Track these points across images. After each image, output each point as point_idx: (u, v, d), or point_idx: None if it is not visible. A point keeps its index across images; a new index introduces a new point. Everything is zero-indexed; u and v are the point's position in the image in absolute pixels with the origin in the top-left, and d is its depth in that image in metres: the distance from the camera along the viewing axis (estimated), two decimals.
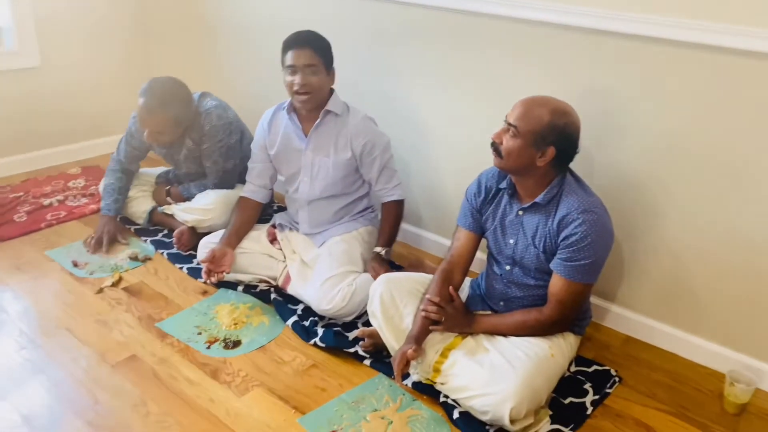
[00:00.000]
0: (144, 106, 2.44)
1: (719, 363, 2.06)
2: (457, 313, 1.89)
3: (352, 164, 2.31)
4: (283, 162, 2.38)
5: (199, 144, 2.60)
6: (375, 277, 2.12)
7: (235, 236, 2.37)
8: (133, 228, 2.80)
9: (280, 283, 2.36)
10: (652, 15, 1.88)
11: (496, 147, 1.77)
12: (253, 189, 2.46)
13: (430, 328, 1.87)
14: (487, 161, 1.85)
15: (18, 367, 1.97)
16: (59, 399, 1.84)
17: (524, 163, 1.74)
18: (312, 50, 2.17)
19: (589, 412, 1.86)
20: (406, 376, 1.92)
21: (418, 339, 1.85)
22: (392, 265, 2.55)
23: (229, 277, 2.36)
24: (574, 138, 1.76)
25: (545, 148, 1.72)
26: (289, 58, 2.17)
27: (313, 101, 2.22)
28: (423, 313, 1.87)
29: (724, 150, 1.89)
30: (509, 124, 1.74)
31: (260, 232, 2.45)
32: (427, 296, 1.89)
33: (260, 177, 2.45)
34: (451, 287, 1.90)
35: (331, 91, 2.27)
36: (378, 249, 2.31)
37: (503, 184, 1.88)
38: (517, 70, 2.25)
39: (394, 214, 2.36)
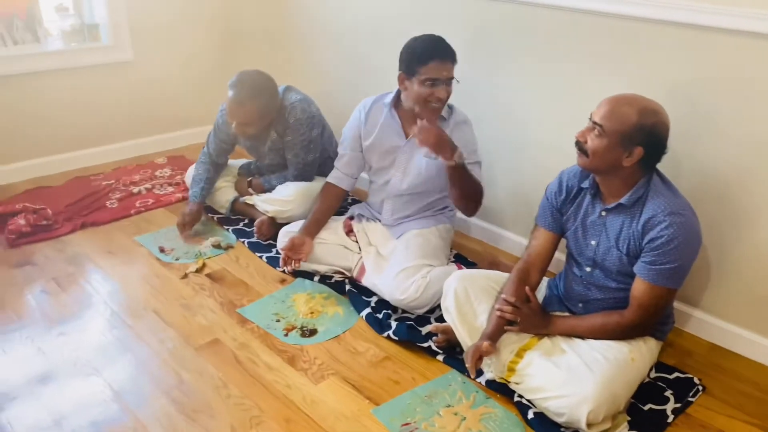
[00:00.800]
0: (234, 98, 2.52)
1: None
2: (533, 314, 1.86)
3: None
4: (376, 154, 2.39)
5: (283, 136, 2.67)
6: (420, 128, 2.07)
7: (315, 225, 2.42)
8: (216, 217, 2.91)
9: (354, 274, 2.40)
10: (752, 8, 1.79)
11: (581, 146, 1.72)
12: (340, 176, 2.48)
13: (506, 328, 1.85)
14: (572, 159, 1.82)
15: (109, 345, 2.09)
16: (147, 377, 1.94)
17: (610, 163, 1.69)
18: (452, 63, 2.15)
19: (669, 420, 1.80)
20: (479, 373, 1.91)
21: (492, 337, 1.83)
22: (467, 263, 2.55)
23: (305, 266, 2.41)
24: (662, 138, 1.69)
25: (632, 149, 1.66)
26: (432, 70, 2.11)
27: (442, 110, 2.23)
28: (498, 313, 1.85)
29: None
30: (595, 123, 1.69)
31: (337, 224, 2.49)
32: (503, 296, 1.88)
33: (348, 165, 2.46)
34: (527, 287, 1.88)
35: None
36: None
37: (585, 184, 1.84)
38: (605, 67, 2.19)
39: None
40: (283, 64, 3.51)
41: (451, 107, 2.29)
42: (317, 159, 2.72)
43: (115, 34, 3.37)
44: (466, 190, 2.20)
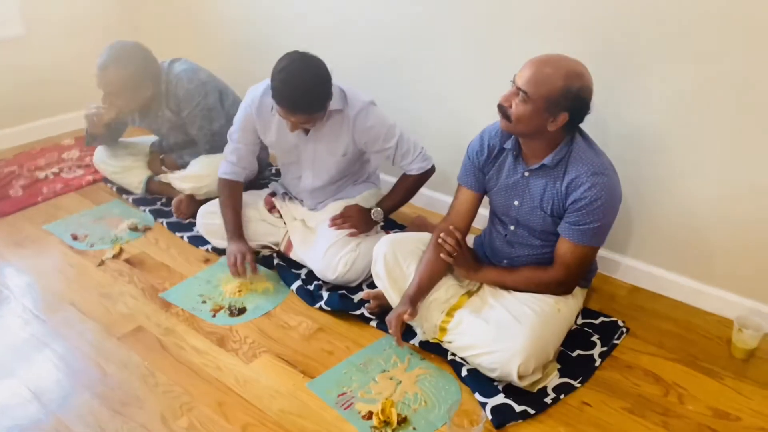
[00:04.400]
0: (100, 62, 2.37)
1: (727, 310, 2.05)
2: (468, 255, 1.88)
3: (355, 156, 2.22)
4: (280, 150, 2.26)
5: (179, 113, 2.53)
6: (337, 220, 2.19)
7: (239, 229, 2.25)
8: (131, 198, 2.77)
9: (282, 248, 2.34)
10: None
11: (504, 111, 1.67)
12: (237, 171, 2.29)
13: (441, 255, 1.85)
14: (488, 119, 1.80)
15: (23, 343, 1.96)
16: (67, 373, 1.84)
17: (535, 128, 1.65)
18: (305, 114, 1.97)
19: (597, 364, 1.86)
20: (412, 335, 1.92)
21: (414, 299, 1.82)
22: (394, 225, 2.53)
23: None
24: (587, 101, 1.65)
25: (558, 114, 1.62)
26: (281, 112, 1.97)
27: (310, 129, 2.12)
28: (439, 240, 1.86)
29: (736, 100, 1.84)
30: (518, 88, 1.63)
31: (257, 198, 2.40)
32: (451, 227, 1.88)
33: (244, 159, 2.28)
34: (459, 236, 1.88)
35: None
36: (373, 208, 2.25)
37: (508, 144, 1.80)
38: (528, 27, 2.17)
39: (407, 183, 2.27)
40: (186, 36, 3.34)
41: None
42: (224, 127, 2.55)
43: (2, 7, 3.10)
44: (406, 200, 2.31)
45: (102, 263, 2.34)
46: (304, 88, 1.91)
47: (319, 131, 2.13)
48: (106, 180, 2.90)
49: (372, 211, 2.24)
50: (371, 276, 2.03)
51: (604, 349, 1.91)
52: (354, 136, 2.14)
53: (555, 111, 1.62)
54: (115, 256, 2.38)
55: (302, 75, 1.91)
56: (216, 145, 2.60)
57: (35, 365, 1.87)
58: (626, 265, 2.24)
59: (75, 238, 2.49)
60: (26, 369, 1.86)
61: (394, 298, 1.92)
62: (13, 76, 3.24)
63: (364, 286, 2.18)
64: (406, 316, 1.76)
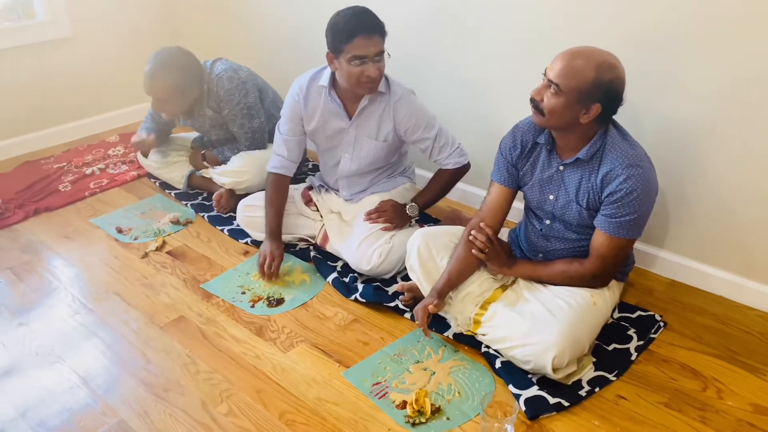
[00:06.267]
0: (146, 71, 2.45)
1: None
2: (501, 250, 1.88)
3: (395, 143, 2.25)
4: (321, 138, 2.29)
5: (219, 111, 2.60)
6: (372, 214, 2.21)
7: (277, 230, 2.29)
8: (173, 193, 2.85)
9: (318, 241, 2.38)
10: None
11: (536, 104, 1.68)
12: (287, 166, 2.31)
13: (473, 252, 1.86)
14: (522, 114, 1.80)
15: (73, 331, 2.05)
16: (113, 360, 1.92)
17: (567, 121, 1.65)
18: (380, 36, 1.97)
19: (633, 357, 1.85)
20: (446, 327, 1.94)
21: (441, 293, 1.85)
22: (428, 219, 2.55)
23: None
24: (619, 93, 1.64)
25: (590, 106, 1.62)
26: (358, 47, 1.94)
27: (378, 87, 2.11)
28: (470, 237, 1.87)
29: None
30: (550, 81, 1.63)
31: (296, 192, 2.45)
32: (481, 224, 1.88)
33: (293, 152, 2.30)
34: (491, 232, 1.88)
35: None
36: (408, 203, 2.27)
37: (541, 139, 1.80)
38: (560, 18, 2.16)
39: (442, 179, 2.28)
40: (228, 35, 3.41)
41: (388, 80, 2.16)
42: (264, 124, 2.65)
43: (51, 9, 3.22)
44: (442, 196, 2.33)
45: (145, 255, 2.42)
46: (372, 12, 2.00)
47: (363, 115, 2.18)
48: (149, 175, 3.00)
49: (407, 206, 2.26)
50: (405, 269, 2.05)
51: (641, 342, 1.89)
52: (395, 123, 2.17)
53: (587, 103, 1.62)
54: (158, 249, 2.45)
55: (362, 6, 2.01)
56: (256, 141, 2.66)
57: (83, 352, 1.95)
58: (664, 258, 2.21)
59: (120, 231, 2.58)
60: (75, 356, 1.94)
61: (427, 291, 1.94)
62: (62, 75, 3.36)
63: (398, 279, 2.21)
64: (431, 308, 1.80)
